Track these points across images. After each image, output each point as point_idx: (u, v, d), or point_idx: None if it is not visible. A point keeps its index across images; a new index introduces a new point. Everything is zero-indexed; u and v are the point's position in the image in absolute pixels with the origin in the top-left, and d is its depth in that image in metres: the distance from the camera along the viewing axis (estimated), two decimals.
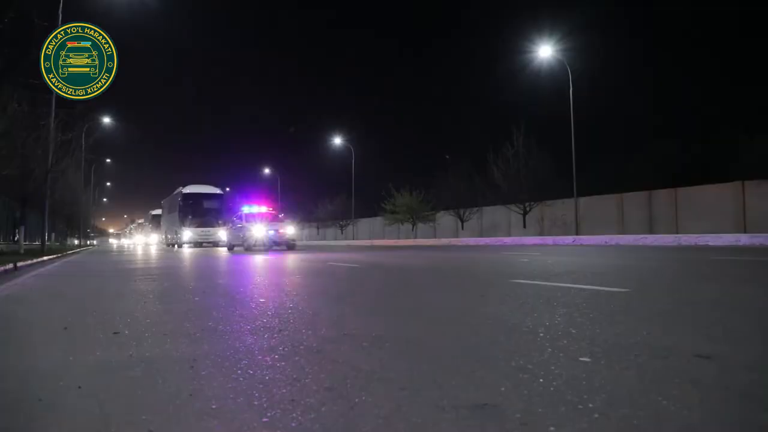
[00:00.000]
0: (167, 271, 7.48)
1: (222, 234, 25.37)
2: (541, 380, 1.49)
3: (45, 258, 11.60)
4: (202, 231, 27.36)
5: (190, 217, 27.66)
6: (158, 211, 43.55)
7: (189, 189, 28.70)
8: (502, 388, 1.43)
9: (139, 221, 67.05)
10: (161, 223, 36.80)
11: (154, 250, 22.31)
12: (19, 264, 8.23)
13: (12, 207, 20.03)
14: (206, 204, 28.68)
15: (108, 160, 44.06)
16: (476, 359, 1.77)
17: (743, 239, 14.25)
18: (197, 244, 27.10)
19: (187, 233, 27.08)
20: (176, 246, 28.23)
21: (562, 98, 23.10)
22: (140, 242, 57.52)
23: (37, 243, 20.55)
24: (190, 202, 28.23)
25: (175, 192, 30.78)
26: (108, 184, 57.16)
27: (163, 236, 34.50)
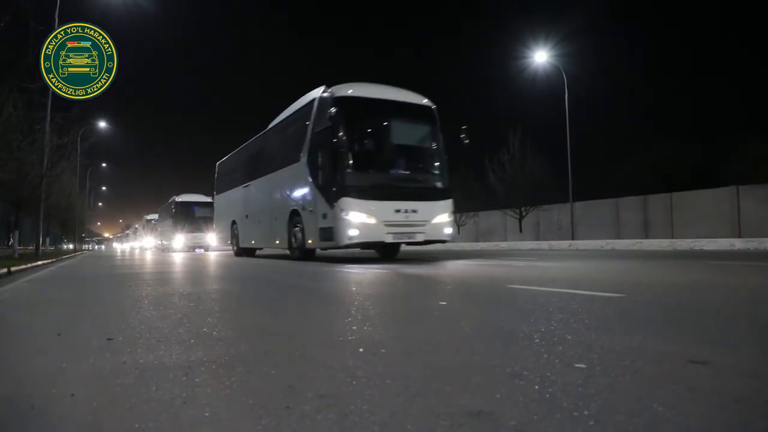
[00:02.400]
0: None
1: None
2: (536, 387, 1.49)
3: (39, 263, 11.55)
4: (402, 212, 9.22)
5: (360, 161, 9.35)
6: (191, 197, 29.52)
7: (355, 90, 9.96)
8: (498, 395, 1.43)
9: (150, 217, 48.95)
10: (221, 210, 17.70)
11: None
12: (13, 269, 8.19)
13: (7, 211, 19.93)
14: (406, 131, 10.35)
15: (104, 165, 44.12)
16: (471, 365, 1.76)
17: (738, 244, 14.31)
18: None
19: (362, 220, 8.92)
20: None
21: (558, 103, 23.26)
22: (150, 246, 43.97)
23: (31, 247, 20.43)
24: (364, 117, 9.81)
25: (307, 101, 10.85)
26: (103, 188, 56.97)
27: (231, 239, 15.87)
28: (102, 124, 27.57)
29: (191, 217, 28.63)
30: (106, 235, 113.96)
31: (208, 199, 27.44)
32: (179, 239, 29.04)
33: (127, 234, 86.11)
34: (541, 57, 22.75)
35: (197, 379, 1.66)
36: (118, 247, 75.21)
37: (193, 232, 28.38)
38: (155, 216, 45.12)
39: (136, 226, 66.43)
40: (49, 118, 15.44)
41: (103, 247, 74.24)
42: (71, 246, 39.50)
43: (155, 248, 39.90)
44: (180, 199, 30.36)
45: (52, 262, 13.19)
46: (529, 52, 22.86)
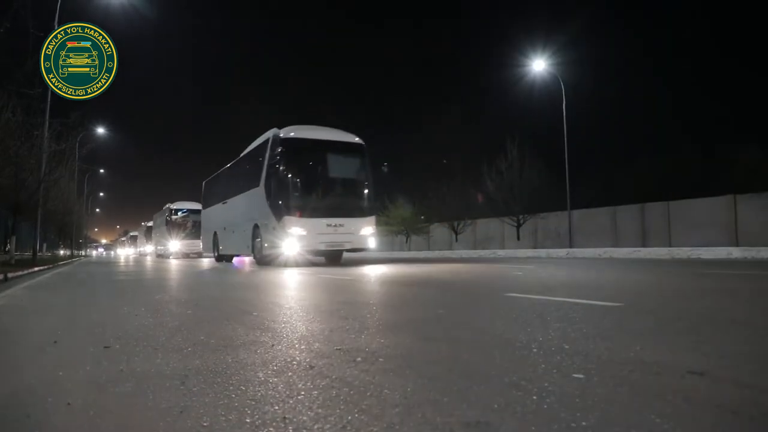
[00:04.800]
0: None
1: None
2: (534, 397, 1.49)
3: (36, 269, 11.51)
4: None
5: None
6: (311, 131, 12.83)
7: None
8: (495, 405, 1.42)
9: (177, 206, 32.27)
10: None
11: None
12: (10, 275, 8.16)
13: (4, 216, 19.88)
14: None
15: (101, 170, 43.51)
16: (469, 375, 1.76)
17: (735, 252, 14.34)
18: None
19: None
20: None
21: (555, 110, 23.33)
22: (175, 252, 29.90)
23: (28, 253, 20.38)
24: None
25: None
26: (101, 194, 56.54)
27: None
28: (100, 130, 27.51)
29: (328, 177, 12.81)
30: (104, 240, 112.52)
31: (353, 139, 13.13)
32: (288, 241, 11.81)
33: (133, 237, 66.25)
34: (539, 65, 22.89)
35: (195, 389, 1.65)
36: (121, 253, 65.50)
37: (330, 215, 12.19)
38: (185, 207, 30.74)
39: (148, 224, 46.59)
40: (47, 124, 15.45)
41: (112, 253, 70.56)
42: (69, 251, 39.24)
43: (186, 256, 28.27)
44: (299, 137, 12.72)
45: (49, 268, 13.14)
46: (527, 61, 22.96)
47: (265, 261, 12.91)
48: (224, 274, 10.07)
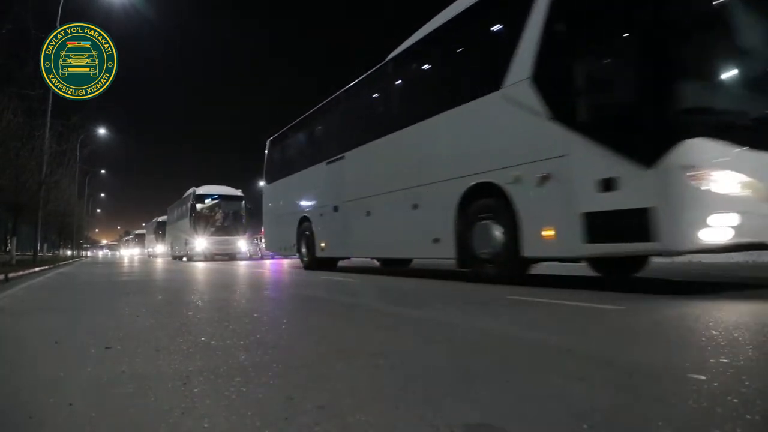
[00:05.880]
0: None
1: None
2: (535, 399, 1.49)
3: (37, 269, 11.53)
4: None
5: None
6: None
7: None
8: (497, 407, 1.43)
9: (201, 191, 23.61)
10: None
11: None
12: (11, 275, 8.18)
13: (4, 217, 19.90)
14: None
15: (102, 171, 43.28)
16: (471, 377, 1.76)
17: (736, 256, 14.30)
18: None
19: None
20: None
21: None
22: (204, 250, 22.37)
23: (29, 254, 20.39)
24: None
25: None
26: (102, 195, 56.39)
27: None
28: (101, 131, 27.50)
29: None
30: (104, 241, 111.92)
31: None
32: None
33: (140, 235, 59.77)
34: None
35: (196, 390, 1.65)
36: (126, 254, 62.80)
37: None
38: (215, 192, 23.63)
39: (159, 219, 38.45)
40: (48, 125, 15.49)
41: (117, 254, 69.56)
42: (68, 252, 39.15)
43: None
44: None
45: (49, 269, 13.16)
46: None
47: (513, 271, 5.63)
48: None
